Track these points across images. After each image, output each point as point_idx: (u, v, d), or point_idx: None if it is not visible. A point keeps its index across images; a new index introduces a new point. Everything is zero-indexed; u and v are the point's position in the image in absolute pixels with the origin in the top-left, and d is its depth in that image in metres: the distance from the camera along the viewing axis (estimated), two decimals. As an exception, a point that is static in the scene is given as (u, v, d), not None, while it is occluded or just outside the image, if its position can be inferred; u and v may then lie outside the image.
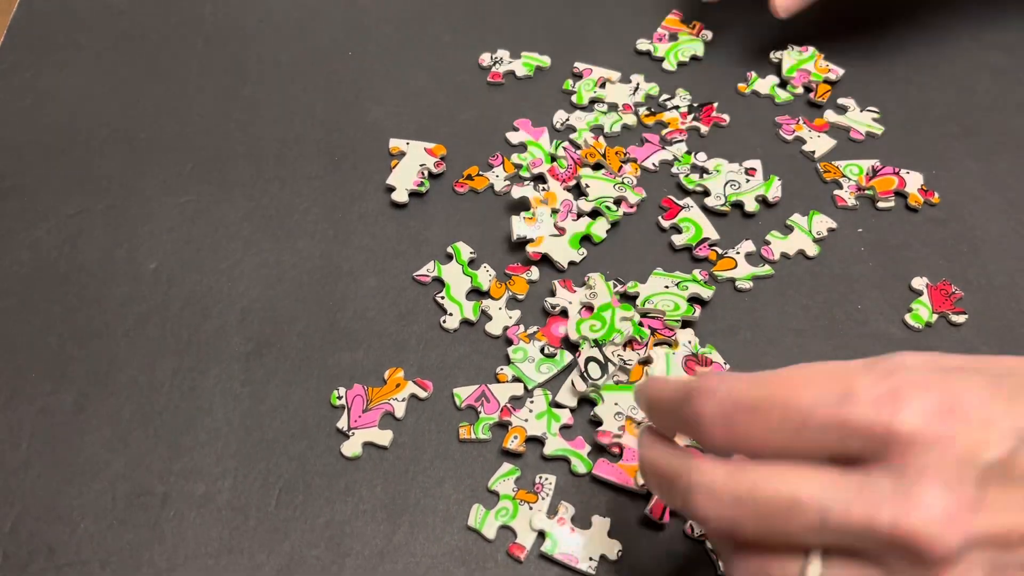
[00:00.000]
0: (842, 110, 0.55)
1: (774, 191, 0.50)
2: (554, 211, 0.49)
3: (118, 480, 0.41)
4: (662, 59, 0.57)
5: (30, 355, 0.45)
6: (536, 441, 0.42)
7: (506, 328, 0.45)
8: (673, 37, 0.58)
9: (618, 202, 0.49)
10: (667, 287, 0.46)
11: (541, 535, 0.39)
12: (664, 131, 0.53)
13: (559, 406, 0.43)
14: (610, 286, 0.46)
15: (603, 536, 0.39)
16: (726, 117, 0.54)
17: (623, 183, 0.50)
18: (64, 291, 0.47)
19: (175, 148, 0.54)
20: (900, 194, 0.50)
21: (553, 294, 0.46)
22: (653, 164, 0.51)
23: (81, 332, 0.46)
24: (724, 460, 0.29)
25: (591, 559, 0.38)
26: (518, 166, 0.51)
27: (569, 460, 0.41)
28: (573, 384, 0.43)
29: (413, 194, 0.51)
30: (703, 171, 0.51)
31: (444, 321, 0.46)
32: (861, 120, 0.54)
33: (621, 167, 0.51)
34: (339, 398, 0.43)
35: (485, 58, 0.57)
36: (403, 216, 0.50)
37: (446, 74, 0.57)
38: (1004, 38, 0.57)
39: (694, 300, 0.46)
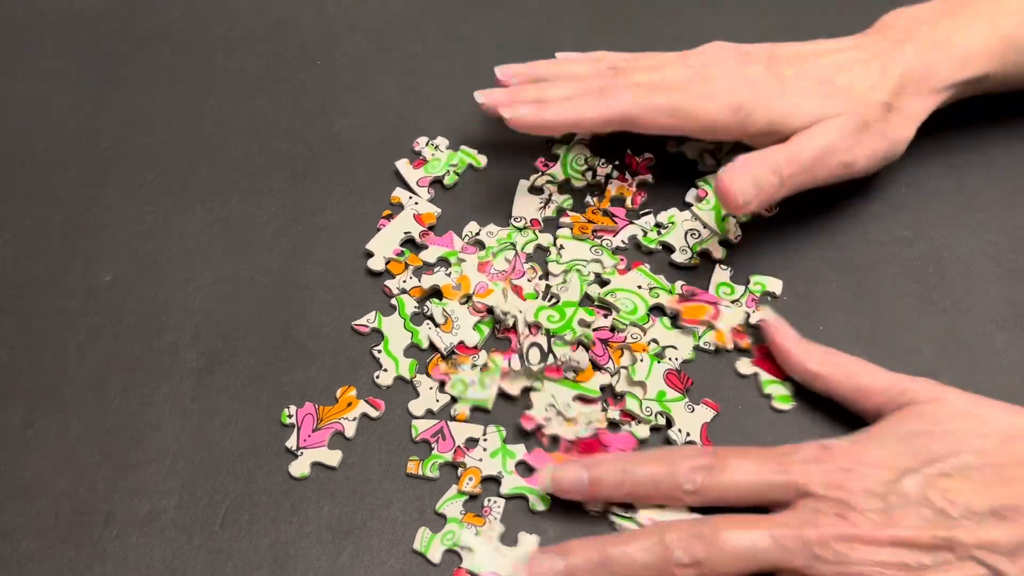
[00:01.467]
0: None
1: (734, 231, 0.49)
2: (467, 298, 0.46)
3: (62, 498, 0.41)
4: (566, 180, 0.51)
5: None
6: (493, 480, 0.41)
7: (428, 410, 0.43)
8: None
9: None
10: (640, 287, 0.46)
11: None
12: (626, 203, 0.50)
13: (505, 396, 0.43)
14: (583, 284, 0.46)
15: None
16: (651, 155, 0.51)
17: (601, 246, 0.48)
18: (17, 304, 0.47)
19: (137, 159, 0.53)
20: (709, 325, 0.45)
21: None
22: (623, 241, 0.48)
23: (32, 346, 0.45)
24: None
25: None
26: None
27: (527, 498, 0.41)
28: (509, 365, 0.43)
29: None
30: (659, 226, 0.49)
31: (377, 376, 0.44)
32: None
33: (595, 233, 0.48)
34: (289, 416, 0.43)
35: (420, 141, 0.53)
36: (364, 231, 0.50)
37: (414, 85, 0.57)
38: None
39: (656, 310, 0.46)
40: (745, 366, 0.44)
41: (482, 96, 0.49)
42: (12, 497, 0.41)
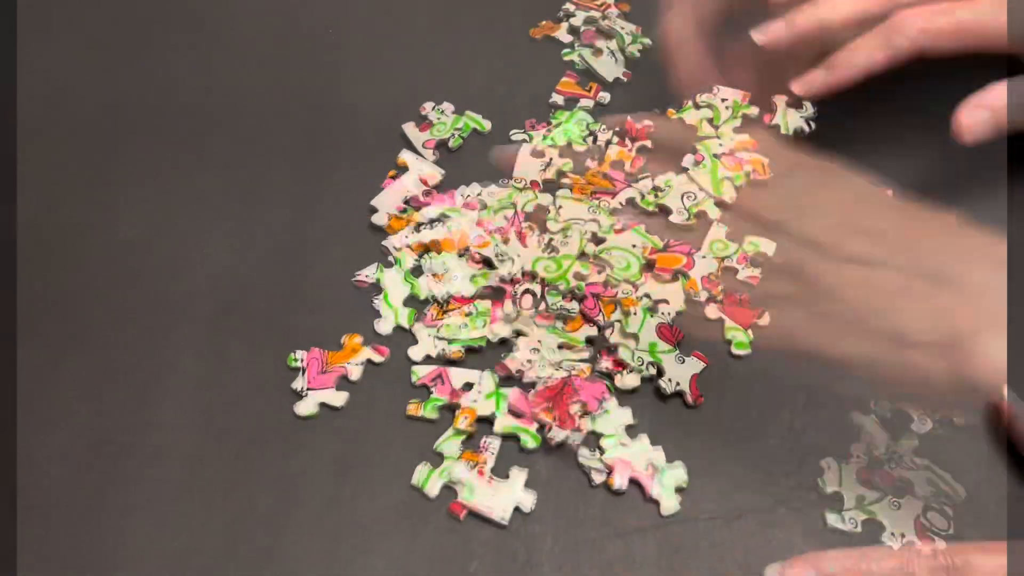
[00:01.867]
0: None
1: (728, 191, 0.50)
2: (464, 250, 0.48)
3: (85, 430, 0.43)
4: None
5: (5, 314, 0.47)
6: (486, 421, 0.43)
7: (427, 355, 0.45)
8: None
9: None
10: (634, 246, 0.48)
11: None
12: (625, 167, 0.51)
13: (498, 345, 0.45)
14: (583, 241, 0.48)
15: (519, 487, 0.41)
16: (649, 123, 0.53)
17: (598, 207, 0.49)
18: (43, 256, 0.50)
19: (155, 122, 0.56)
20: (682, 274, 0.47)
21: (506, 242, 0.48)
22: (620, 203, 0.50)
23: (53, 294, 0.48)
24: None
25: (504, 510, 0.40)
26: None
27: (519, 437, 0.43)
28: (503, 309, 0.45)
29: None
30: (656, 190, 0.50)
31: (376, 324, 0.46)
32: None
33: (593, 194, 0.50)
34: (296, 360, 0.45)
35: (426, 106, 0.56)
36: (371, 190, 0.52)
37: (424, 55, 0.59)
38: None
39: (649, 266, 0.47)
40: (712, 311, 0.46)
41: (760, 36, 0.49)
42: (39, 428, 0.43)
